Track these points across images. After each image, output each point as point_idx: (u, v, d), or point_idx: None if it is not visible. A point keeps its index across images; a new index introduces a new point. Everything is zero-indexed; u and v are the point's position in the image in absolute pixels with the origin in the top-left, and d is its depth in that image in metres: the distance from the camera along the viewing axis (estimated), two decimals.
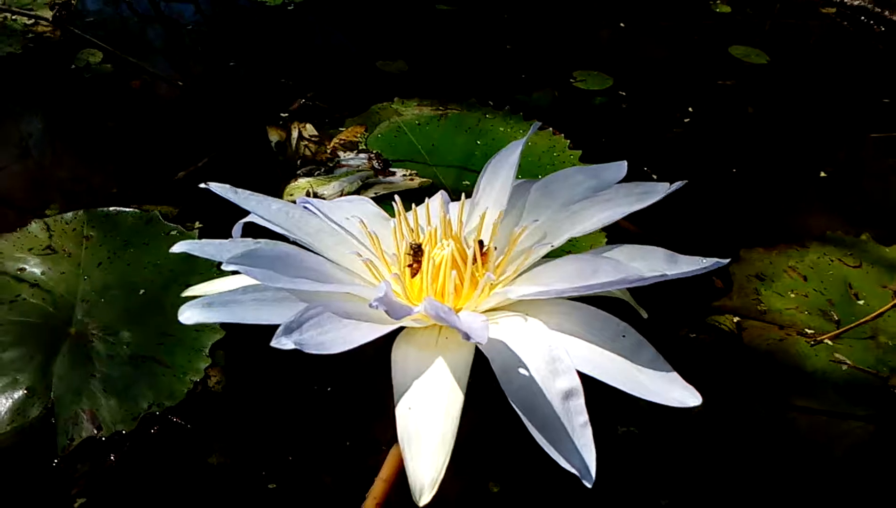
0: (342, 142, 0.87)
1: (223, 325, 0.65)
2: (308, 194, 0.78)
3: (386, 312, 0.34)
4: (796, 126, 1.00)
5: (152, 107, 0.96)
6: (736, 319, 0.69)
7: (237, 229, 0.50)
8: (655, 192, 0.44)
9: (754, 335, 0.68)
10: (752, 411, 0.62)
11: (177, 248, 0.44)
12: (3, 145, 0.89)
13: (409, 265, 0.43)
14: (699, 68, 1.11)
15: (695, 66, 1.11)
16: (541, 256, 0.44)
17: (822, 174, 0.91)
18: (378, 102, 0.93)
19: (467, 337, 0.33)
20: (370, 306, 0.34)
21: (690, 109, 1.00)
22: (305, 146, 0.86)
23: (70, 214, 0.75)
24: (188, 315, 0.40)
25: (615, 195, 0.45)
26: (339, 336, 0.36)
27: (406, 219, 0.48)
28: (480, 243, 0.45)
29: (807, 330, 0.68)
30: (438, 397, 0.37)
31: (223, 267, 0.39)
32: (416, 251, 0.44)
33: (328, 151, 0.86)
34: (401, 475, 0.48)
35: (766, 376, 0.65)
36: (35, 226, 0.74)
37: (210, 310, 0.39)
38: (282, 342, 0.35)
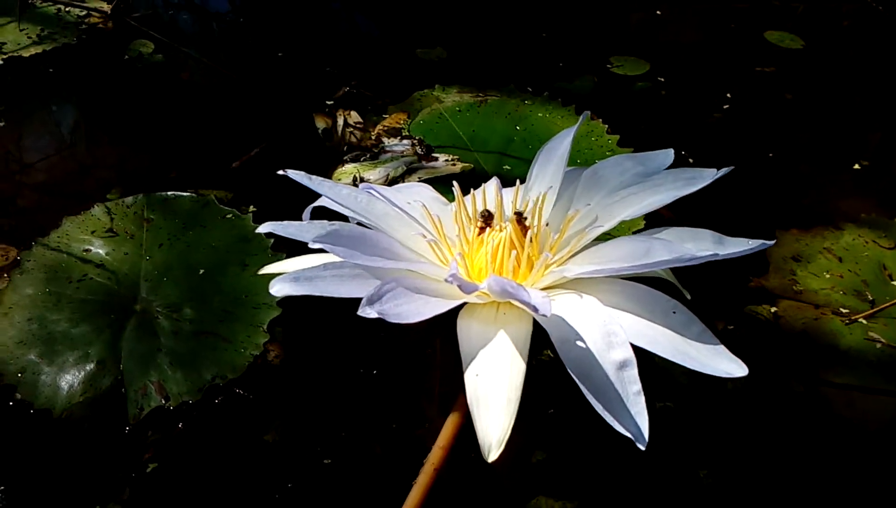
0: (386, 128, 0.90)
1: (280, 303, 0.68)
2: (354, 179, 0.81)
3: (459, 287, 0.37)
4: (832, 111, 1.01)
5: (203, 97, 0.99)
6: (773, 309, 0.71)
7: (307, 212, 0.53)
8: (703, 177, 0.46)
9: (790, 315, 0.70)
10: (787, 386, 0.64)
11: (263, 228, 0.47)
12: (61, 133, 0.92)
13: (481, 228, 0.46)
14: (735, 54, 1.12)
15: (731, 51, 1.13)
16: (593, 237, 0.46)
17: (857, 167, 0.92)
18: (419, 89, 0.95)
19: (535, 310, 0.36)
20: (446, 280, 0.36)
21: (729, 94, 1.01)
22: (351, 133, 0.89)
23: (130, 198, 0.79)
24: (279, 288, 0.43)
25: (664, 180, 0.47)
26: (413, 308, 0.39)
27: (464, 204, 0.51)
28: (520, 216, 0.47)
29: (842, 309, 0.70)
30: (502, 364, 0.39)
31: (311, 245, 0.43)
32: (487, 218, 0.46)
33: (372, 138, 0.88)
34: (456, 443, 0.52)
35: (801, 353, 0.67)
36: (97, 210, 0.77)
37: (297, 284, 0.43)
38: (366, 312, 0.38)
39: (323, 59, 1.05)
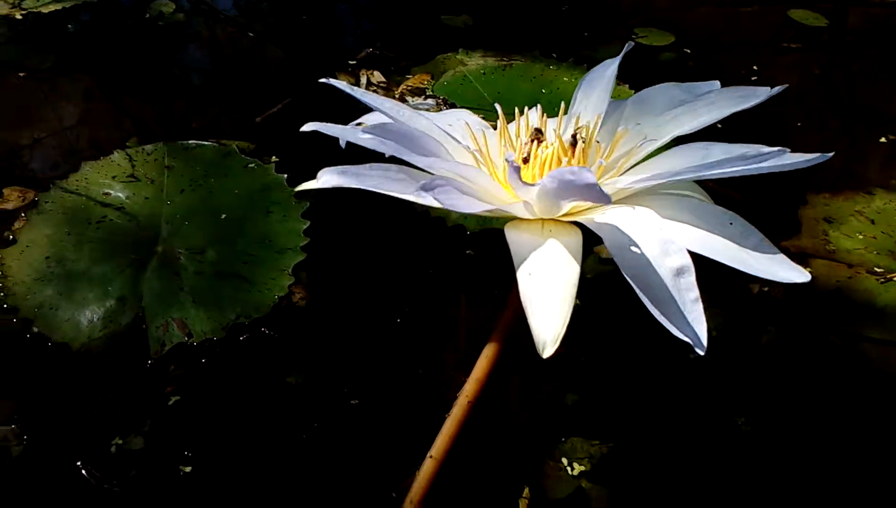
0: (409, 88, 0.89)
1: (304, 248, 0.67)
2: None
3: (513, 182, 0.36)
4: (858, 87, 1.01)
5: (224, 55, 0.98)
6: (807, 269, 0.69)
7: (352, 125, 0.52)
8: (756, 95, 0.45)
9: (823, 274, 0.69)
10: (824, 340, 0.63)
11: (307, 127, 0.46)
12: (81, 87, 0.91)
13: (533, 141, 0.44)
14: (760, 30, 1.11)
15: (756, 28, 1.12)
16: (646, 153, 0.45)
17: (883, 140, 0.91)
18: (443, 53, 0.94)
19: (600, 196, 0.34)
20: (506, 159, 0.35)
21: (755, 67, 1.00)
22: (374, 91, 0.88)
23: (150, 146, 0.77)
24: (326, 179, 0.42)
25: (717, 99, 0.46)
26: (465, 203, 0.37)
27: (507, 128, 0.49)
28: (574, 137, 0.46)
29: (876, 268, 0.68)
30: (556, 264, 0.38)
31: (360, 136, 0.41)
32: (538, 133, 0.45)
33: (396, 97, 0.87)
34: (490, 376, 0.50)
35: (836, 310, 0.65)
36: (117, 156, 0.76)
37: (345, 176, 0.41)
38: (421, 195, 0.36)
39: (347, 22, 1.04)
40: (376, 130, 0.41)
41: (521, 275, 0.38)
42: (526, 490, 0.52)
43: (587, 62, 0.93)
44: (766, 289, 0.67)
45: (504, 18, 1.11)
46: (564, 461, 0.54)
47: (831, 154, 0.41)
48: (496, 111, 0.50)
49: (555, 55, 0.95)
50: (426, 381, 0.60)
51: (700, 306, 0.38)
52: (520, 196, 0.39)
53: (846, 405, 0.58)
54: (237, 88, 0.93)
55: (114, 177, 0.73)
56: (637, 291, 0.38)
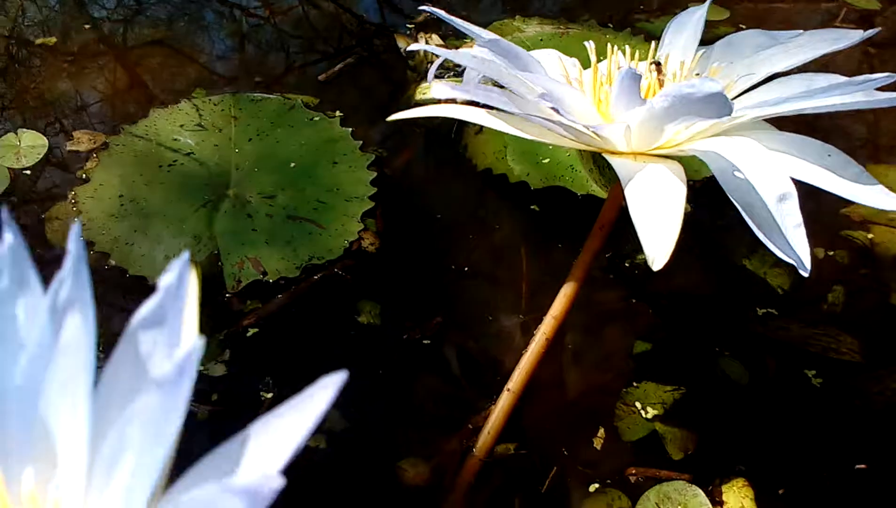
0: (463, 49, 0.89)
1: (372, 197, 0.68)
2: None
3: (628, 94, 0.36)
4: None
5: (286, 17, 0.99)
6: (870, 236, 0.70)
7: (432, 72, 0.53)
8: (849, 37, 0.45)
9: (885, 239, 0.69)
10: (884, 301, 0.63)
11: (414, 47, 0.47)
12: (146, 38, 0.92)
13: (659, 78, 0.45)
14: (813, 14, 1.11)
15: (809, 11, 1.12)
16: (743, 89, 0.45)
17: None
18: (500, 18, 0.95)
19: (722, 106, 0.35)
20: (627, 68, 0.36)
21: None
22: (433, 55, 0.89)
23: (217, 96, 0.78)
24: (439, 89, 0.43)
25: (809, 40, 0.46)
26: (574, 116, 0.38)
27: (597, 67, 0.50)
28: (659, 66, 0.46)
29: None
30: (664, 184, 0.39)
31: (476, 45, 0.42)
32: (658, 65, 0.45)
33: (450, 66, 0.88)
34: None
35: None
36: (185, 105, 0.77)
37: (456, 90, 0.42)
38: (540, 108, 0.37)
39: None
40: (490, 44, 0.42)
41: (630, 193, 0.38)
42: (601, 431, 0.53)
43: (643, 33, 0.94)
44: (831, 253, 0.67)
45: None
46: (638, 405, 0.54)
47: None
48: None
49: (610, 25, 0.96)
50: (494, 325, 0.61)
51: (802, 230, 0.38)
52: (626, 117, 0.40)
53: None
54: (299, 47, 0.94)
55: (182, 125, 0.74)
56: (742, 212, 0.38)
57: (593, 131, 0.41)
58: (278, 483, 0.18)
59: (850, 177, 0.40)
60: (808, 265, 0.38)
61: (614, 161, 0.41)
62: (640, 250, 0.64)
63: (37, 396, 0.23)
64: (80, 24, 0.93)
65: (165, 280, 0.22)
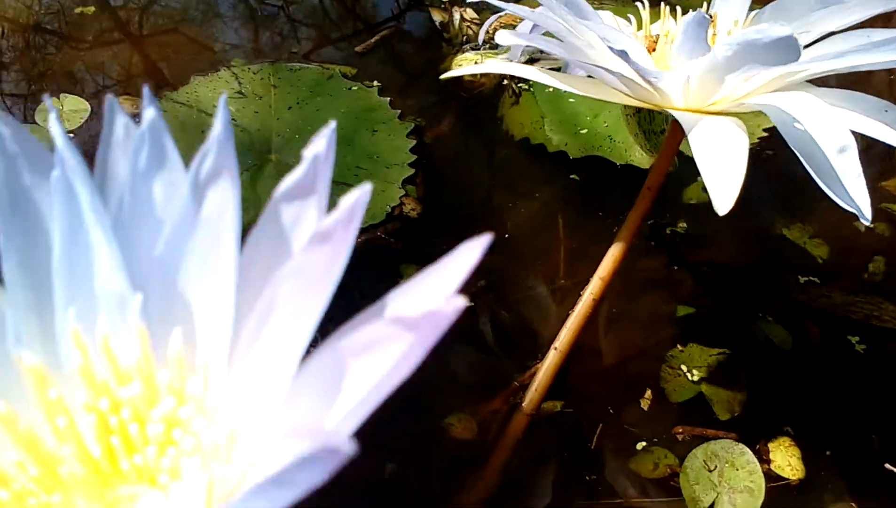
0: (503, 24, 0.89)
1: (411, 164, 0.68)
2: (475, 65, 0.81)
3: (694, 39, 0.37)
4: None
5: None
6: None
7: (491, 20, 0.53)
8: None
9: None
10: None
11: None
12: (182, 8, 0.93)
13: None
14: None
15: None
16: (802, 45, 0.45)
17: None
18: None
19: (790, 51, 0.35)
20: (697, 12, 0.36)
21: None
22: (468, 27, 0.89)
23: (256, 66, 0.79)
24: (503, 37, 0.43)
25: (859, 1, 0.46)
26: (643, 65, 0.38)
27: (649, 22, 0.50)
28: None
29: None
30: (727, 135, 0.39)
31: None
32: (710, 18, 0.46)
33: (490, 32, 0.88)
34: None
35: None
36: (224, 73, 0.77)
37: (521, 38, 0.42)
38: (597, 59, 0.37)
39: None
40: None
41: (694, 141, 0.38)
42: (648, 392, 0.53)
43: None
44: (872, 226, 0.67)
45: None
46: (684, 367, 0.55)
47: None
48: None
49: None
50: (533, 291, 0.61)
51: (862, 180, 0.39)
52: (688, 66, 0.40)
53: None
54: (338, 18, 0.94)
55: (222, 92, 0.75)
56: (804, 163, 0.39)
57: (653, 83, 0.41)
58: (461, 302, 0.18)
59: None
60: (869, 215, 0.38)
61: (678, 114, 0.41)
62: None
63: (178, 267, 0.23)
64: None
65: (314, 148, 0.22)
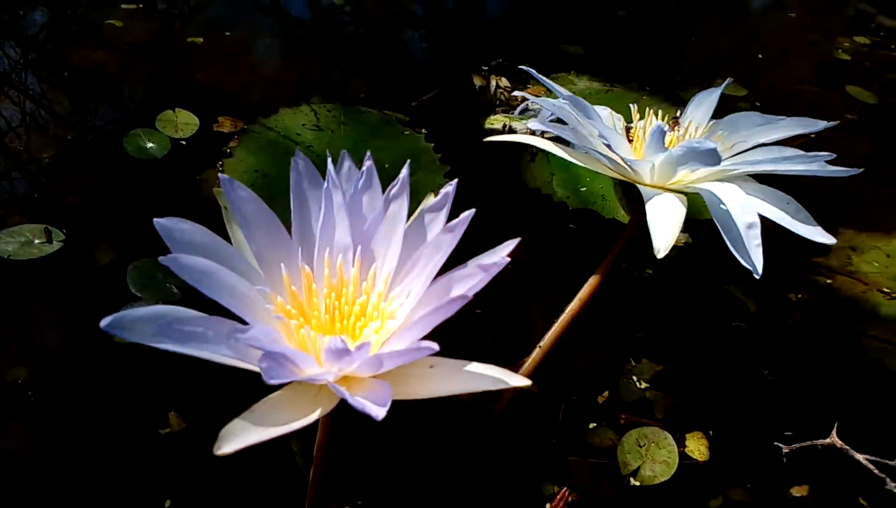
0: (531, 92, 1.09)
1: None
2: (503, 127, 1.01)
3: (654, 144, 0.56)
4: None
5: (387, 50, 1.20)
6: (828, 280, 0.89)
7: (523, 106, 0.73)
8: (817, 125, 0.64)
9: (844, 287, 0.88)
10: (836, 332, 0.82)
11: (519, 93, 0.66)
12: (277, 49, 1.13)
13: (673, 127, 0.65)
14: (821, 104, 1.31)
15: (819, 103, 1.32)
16: (738, 150, 0.64)
17: None
18: (556, 73, 1.15)
19: (713, 159, 0.54)
20: (658, 125, 0.55)
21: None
22: (501, 93, 1.09)
23: (329, 105, 0.99)
24: (535, 124, 0.63)
25: (790, 123, 0.65)
26: (614, 147, 0.58)
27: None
28: (676, 120, 0.66)
29: (885, 289, 0.87)
30: (671, 205, 0.58)
31: (559, 101, 0.62)
32: (676, 120, 0.65)
33: (518, 99, 1.08)
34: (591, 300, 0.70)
35: (849, 313, 0.84)
36: (305, 108, 0.97)
37: (542, 125, 0.62)
38: (595, 144, 0.57)
39: (481, 39, 1.26)
40: (569, 98, 0.61)
41: (649, 208, 0.58)
42: (606, 392, 0.72)
43: (674, 99, 1.14)
44: (801, 296, 0.86)
45: (610, 53, 1.32)
46: (635, 377, 0.73)
47: (860, 169, 0.60)
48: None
49: (648, 88, 1.16)
50: (525, 309, 0.79)
51: (760, 249, 0.57)
52: (652, 158, 0.59)
53: (844, 377, 0.77)
54: (396, 77, 1.15)
55: (303, 124, 0.94)
56: (721, 232, 0.58)
57: (629, 165, 0.61)
58: (505, 260, 0.40)
59: (800, 219, 0.59)
60: (760, 270, 0.57)
61: (641, 188, 0.60)
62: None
63: (374, 236, 0.47)
64: (221, 30, 1.14)
65: (445, 189, 0.44)
